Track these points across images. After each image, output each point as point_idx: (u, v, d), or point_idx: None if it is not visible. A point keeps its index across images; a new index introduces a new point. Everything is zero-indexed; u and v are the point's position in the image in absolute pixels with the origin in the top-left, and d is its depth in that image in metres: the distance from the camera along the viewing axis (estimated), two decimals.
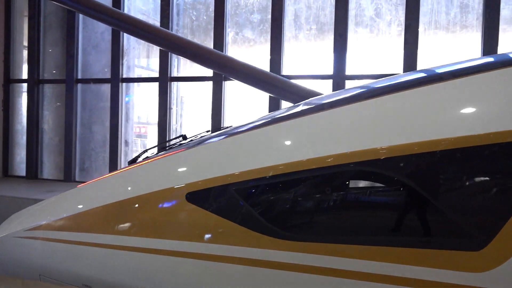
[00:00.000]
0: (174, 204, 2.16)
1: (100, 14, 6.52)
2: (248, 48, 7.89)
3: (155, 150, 3.27)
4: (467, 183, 1.55)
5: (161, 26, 7.87)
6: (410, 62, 6.55)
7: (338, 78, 6.94)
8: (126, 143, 8.82)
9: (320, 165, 1.77)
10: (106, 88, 8.68)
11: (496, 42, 6.17)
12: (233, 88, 7.91)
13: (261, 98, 7.49)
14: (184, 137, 3.23)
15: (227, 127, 3.24)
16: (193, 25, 8.25)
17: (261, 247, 1.84)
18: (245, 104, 8.15)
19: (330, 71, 7.03)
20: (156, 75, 8.29)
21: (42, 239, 2.66)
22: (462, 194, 1.56)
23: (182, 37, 6.84)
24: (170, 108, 8.19)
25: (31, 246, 2.73)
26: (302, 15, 7.46)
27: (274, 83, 6.82)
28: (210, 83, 7.88)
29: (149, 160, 2.58)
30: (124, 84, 8.64)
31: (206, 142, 2.42)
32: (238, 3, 7.88)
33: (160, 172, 2.40)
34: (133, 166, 2.64)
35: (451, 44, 6.73)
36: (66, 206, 2.76)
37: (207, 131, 3.47)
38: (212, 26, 7.78)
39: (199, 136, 3.24)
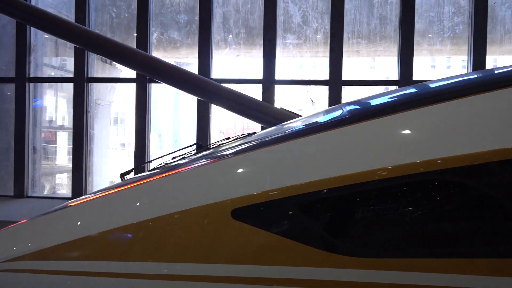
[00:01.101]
0: (216, 223, 1.86)
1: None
2: (175, 49, 7.57)
3: (162, 161, 2.86)
4: None
5: (76, 22, 7.20)
6: (336, 68, 6.79)
7: (268, 83, 6.95)
8: (34, 150, 7.91)
9: (394, 175, 1.65)
10: (10, 88, 7.71)
11: (412, 52, 6.67)
12: (160, 90, 7.52)
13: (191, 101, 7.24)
14: (200, 146, 2.93)
15: (251, 134, 2.95)
16: (113, 23, 7.69)
17: (330, 267, 1.67)
18: (174, 107, 7.81)
19: (259, 75, 7.02)
20: (70, 75, 7.56)
21: (30, 272, 2.18)
22: None
23: (101, 35, 6.31)
24: (88, 112, 7.52)
25: (12, 281, 2.22)
26: (230, 18, 7.36)
27: (205, 87, 6.61)
28: (134, 85, 7.41)
29: (171, 172, 2.21)
30: (31, 84, 7.74)
31: (248, 150, 2.12)
32: (163, 2, 7.52)
33: (195, 186, 2.06)
34: (151, 179, 2.23)
35: (372, 53, 7.13)
36: (63, 229, 2.27)
37: (227, 138, 3.04)
38: (135, 24, 7.32)
39: (218, 144, 2.90)
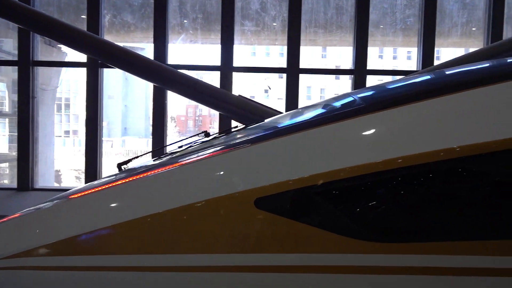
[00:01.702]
0: (240, 212, 1.82)
1: None
2: (128, 33, 7.26)
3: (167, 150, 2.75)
4: None
5: (20, 0, 6.68)
6: (293, 57, 6.85)
7: (226, 70, 6.87)
8: None
9: (418, 162, 1.69)
10: None
11: (366, 42, 6.86)
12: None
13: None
14: (207, 134, 2.80)
15: (258, 122, 2.88)
16: (61, 3, 7.22)
17: (356, 252, 1.70)
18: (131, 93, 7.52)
19: (217, 62, 6.92)
20: (10, 58, 7.04)
21: (32, 269, 2.02)
22: None
23: (48, 15, 5.91)
24: (33, 97, 7.06)
25: (13, 279, 2.05)
26: (187, 2, 7.16)
27: (161, 73, 6.42)
28: (82, 69, 7.04)
29: (189, 161, 2.12)
30: None
31: (268, 139, 2.06)
32: None
33: (216, 175, 1.98)
34: (166, 168, 2.11)
35: (329, 42, 7.25)
36: (67, 223, 2.11)
37: (235, 127, 2.93)
38: (85, 6, 6.91)
39: (226, 133, 2.80)
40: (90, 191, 2.21)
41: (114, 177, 2.42)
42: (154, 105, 7.02)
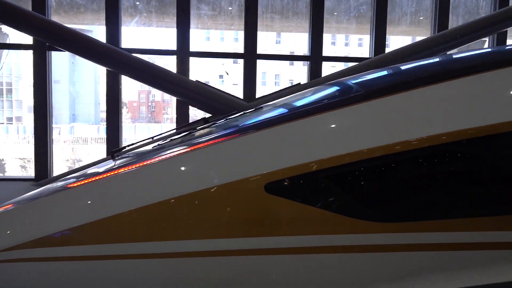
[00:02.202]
0: (250, 197, 1.86)
1: None
2: (78, 15, 6.91)
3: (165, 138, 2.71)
4: None
5: None
6: (251, 42, 6.84)
7: (183, 54, 6.76)
8: None
9: (416, 147, 1.80)
10: None
11: (321, 29, 6.99)
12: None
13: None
14: (206, 121, 2.76)
15: (261, 107, 2.88)
16: None
17: (359, 232, 1.81)
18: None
19: (173, 46, 6.78)
20: None
21: (33, 260, 1.95)
22: None
23: None
24: None
25: (13, 272, 1.97)
26: None
27: (114, 57, 6.22)
28: (28, 52, 6.65)
29: (198, 147, 2.11)
30: None
31: (275, 124, 2.07)
32: None
33: (225, 161, 1.99)
34: (172, 154, 2.08)
35: (285, 28, 7.31)
36: (68, 213, 2.03)
37: (234, 113, 2.85)
38: None
39: (227, 119, 2.76)
40: (90, 180, 2.16)
41: (112, 164, 2.36)
42: (108, 90, 6.78)
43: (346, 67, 6.75)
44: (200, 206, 1.88)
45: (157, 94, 26.23)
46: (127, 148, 2.87)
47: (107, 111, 6.80)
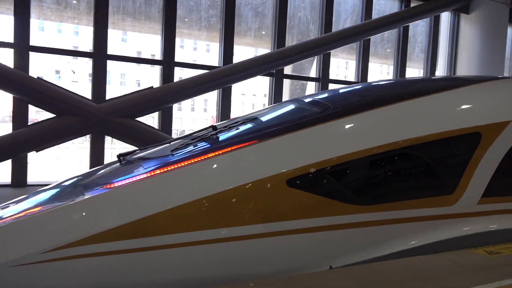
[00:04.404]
0: (276, 190, 2.41)
1: None
2: None
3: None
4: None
5: None
6: (100, 40, 6.64)
7: (21, 49, 6.16)
8: None
9: (384, 150, 2.64)
10: None
11: (174, 35, 7.21)
12: None
13: None
14: (214, 128, 3.08)
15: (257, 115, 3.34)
16: None
17: (351, 213, 2.50)
18: None
19: (10, 39, 6.13)
20: None
21: (89, 256, 2.11)
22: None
23: None
24: None
25: (67, 269, 2.10)
26: None
27: None
28: None
29: (232, 149, 2.58)
30: None
31: (293, 130, 2.68)
32: None
33: (255, 162, 2.54)
34: (205, 158, 2.54)
35: (137, 29, 7.29)
36: (119, 211, 2.28)
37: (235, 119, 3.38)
38: None
39: (229, 126, 3.18)
40: (137, 178, 2.46)
41: (142, 166, 2.68)
42: None
43: (199, 74, 7.13)
44: (244, 198, 2.36)
45: None
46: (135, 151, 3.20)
47: None
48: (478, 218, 2.89)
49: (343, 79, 9.32)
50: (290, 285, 2.04)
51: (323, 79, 8.73)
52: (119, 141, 6.85)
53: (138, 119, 6.72)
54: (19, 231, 2.19)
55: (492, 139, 2.88)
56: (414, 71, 10.58)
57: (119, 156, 3.04)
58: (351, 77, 9.46)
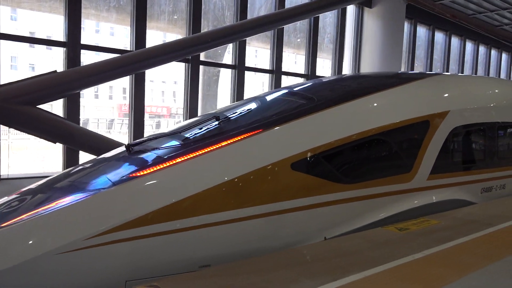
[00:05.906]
0: (282, 173, 2.82)
1: None
2: None
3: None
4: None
5: None
6: None
7: None
8: None
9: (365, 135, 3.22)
10: None
11: (80, 15, 6.63)
12: None
13: None
14: (217, 118, 3.39)
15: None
16: None
17: (340, 191, 3.01)
18: None
19: None
20: None
21: (129, 240, 2.26)
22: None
23: None
24: None
25: (109, 253, 2.24)
26: None
27: None
28: None
29: (243, 138, 2.93)
30: None
31: (294, 119, 3.12)
32: None
33: (267, 148, 2.92)
34: (222, 146, 2.85)
35: (36, 7, 6.58)
36: (153, 197, 2.46)
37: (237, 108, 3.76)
38: None
39: (235, 115, 3.51)
40: (164, 167, 2.64)
41: (162, 154, 2.91)
42: None
43: (111, 58, 6.65)
44: (254, 181, 2.70)
45: None
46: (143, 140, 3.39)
47: None
48: (427, 192, 3.56)
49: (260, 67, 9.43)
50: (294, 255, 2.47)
51: (239, 67, 8.75)
52: (17, 131, 6.15)
53: (40, 106, 6.08)
54: (62, 220, 2.32)
55: (437, 125, 3.55)
56: (325, 62, 11.10)
57: (127, 145, 3.27)
58: (266, 65, 9.61)
